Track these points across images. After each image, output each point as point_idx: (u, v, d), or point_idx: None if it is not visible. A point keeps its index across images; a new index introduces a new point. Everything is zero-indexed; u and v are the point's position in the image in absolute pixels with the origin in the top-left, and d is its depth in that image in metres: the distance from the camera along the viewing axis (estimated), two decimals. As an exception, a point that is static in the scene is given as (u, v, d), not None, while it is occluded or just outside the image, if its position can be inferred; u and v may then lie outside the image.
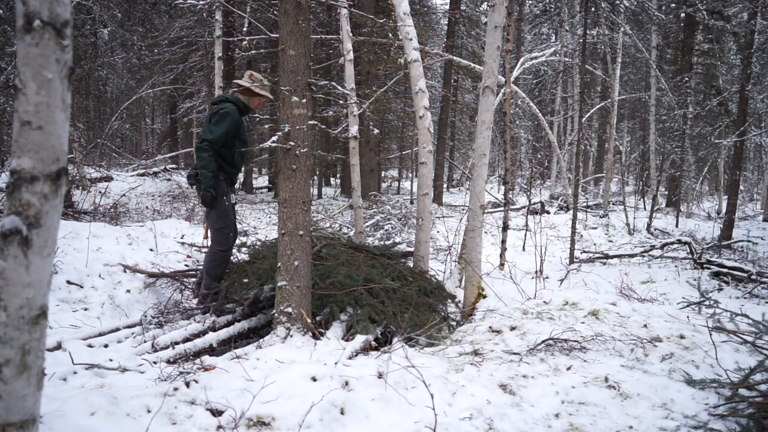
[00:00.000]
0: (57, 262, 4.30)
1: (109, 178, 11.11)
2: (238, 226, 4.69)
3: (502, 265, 5.71)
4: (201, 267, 5.00)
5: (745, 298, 5.59)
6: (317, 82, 3.12)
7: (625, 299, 4.43)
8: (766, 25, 11.51)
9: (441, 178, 15.89)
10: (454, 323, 3.90)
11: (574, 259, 6.97)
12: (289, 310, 3.07)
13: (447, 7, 18.34)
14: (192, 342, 3.17)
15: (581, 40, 8.52)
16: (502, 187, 12.31)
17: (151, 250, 5.52)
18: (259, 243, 4.81)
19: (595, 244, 9.03)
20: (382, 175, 20.10)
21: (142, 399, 2.22)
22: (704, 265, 6.69)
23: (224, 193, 3.88)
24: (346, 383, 2.40)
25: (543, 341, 3.12)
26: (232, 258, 4.43)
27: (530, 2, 18.69)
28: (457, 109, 19.79)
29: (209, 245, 4.03)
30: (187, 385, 2.37)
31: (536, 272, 5.40)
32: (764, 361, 2.48)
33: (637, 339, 3.14)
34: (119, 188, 10.20)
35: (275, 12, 8.48)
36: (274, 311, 3.16)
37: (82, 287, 4.27)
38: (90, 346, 3.11)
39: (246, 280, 3.76)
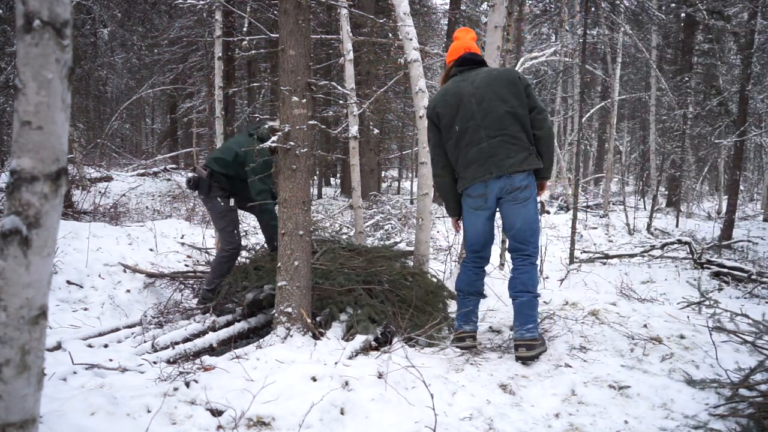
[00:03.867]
0: (57, 262, 4.30)
1: (109, 178, 11.12)
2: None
3: (502, 265, 5.71)
4: (201, 267, 5.01)
5: (745, 298, 5.59)
6: (317, 82, 3.12)
7: (625, 299, 4.43)
8: (766, 25, 11.50)
9: (441, 178, 15.84)
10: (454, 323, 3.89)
11: (574, 259, 6.97)
12: (289, 310, 3.07)
13: (447, 7, 18.31)
14: (192, 342, 3.17)
15: (581, 40, 8.52)
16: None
17: (151, 250, 5.53)
18: (258, 246, 4.83)
19: (595, 244, 9.03)
20: (382, 175, 20.09)
21: (142, 399, 2.21)
22: (704, 265, 6.69)
23: (219, 195, 3.94)
24: (346, 383, 2.40)
25: (543, 341, 3.12)
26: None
27: (530, 2, 18.68)
28: (457, 109, 19.71)
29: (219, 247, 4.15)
30: (187, 385, 2.37)
31: (536, 272, 5.39)
32: (764, 361, 2.48)
33: (638, 338, 3.14)
34: (119, 188, 10.21)
35: (275, 12, 8.47)
36: (274, 311, 3.16)
37: (82, 287, 4.28)
38: (90, 346, 3.11)
39: (246, 283, 3.77)
